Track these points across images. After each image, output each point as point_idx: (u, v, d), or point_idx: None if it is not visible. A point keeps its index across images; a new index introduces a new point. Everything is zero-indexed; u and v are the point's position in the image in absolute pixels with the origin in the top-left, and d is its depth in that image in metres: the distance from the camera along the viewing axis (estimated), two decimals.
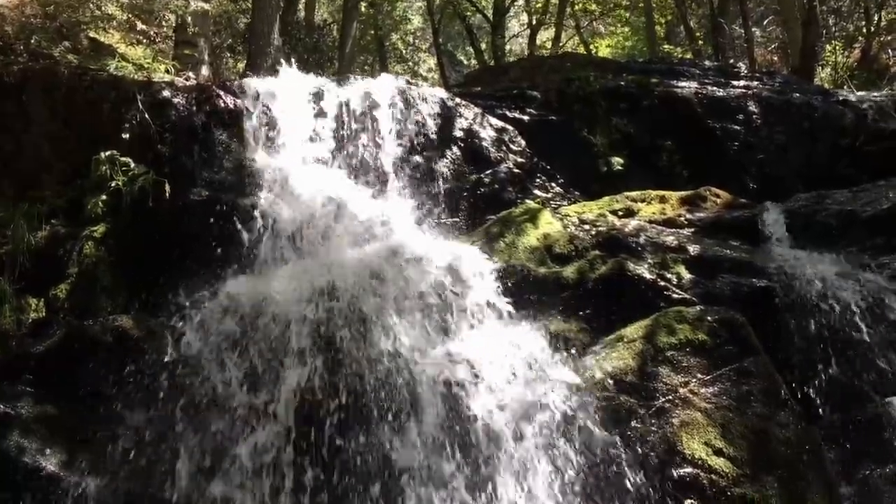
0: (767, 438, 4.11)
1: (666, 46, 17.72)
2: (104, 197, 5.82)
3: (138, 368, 4.54)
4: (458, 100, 7.52)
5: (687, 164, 7.76)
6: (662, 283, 5.23)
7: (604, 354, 4.57)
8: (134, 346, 4.69)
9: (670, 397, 4.24)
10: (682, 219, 6.24)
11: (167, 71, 7.50)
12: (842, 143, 7.98)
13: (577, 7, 18.22)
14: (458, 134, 7.14)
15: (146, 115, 6.13)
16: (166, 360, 4.56)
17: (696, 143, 7.89)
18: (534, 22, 17.88)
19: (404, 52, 19.74)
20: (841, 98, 8.74)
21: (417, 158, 6.79)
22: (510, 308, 4.98)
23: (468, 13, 17.60)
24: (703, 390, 4.26)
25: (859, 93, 9.51)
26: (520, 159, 7.28)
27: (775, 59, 16.63)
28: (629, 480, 3.96)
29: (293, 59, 8.71)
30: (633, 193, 6.64)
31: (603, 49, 20.31)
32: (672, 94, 8.27)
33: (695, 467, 3.96)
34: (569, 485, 4.00)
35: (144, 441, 4.28)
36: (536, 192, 7.17)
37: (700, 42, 17.02)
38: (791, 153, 7.95)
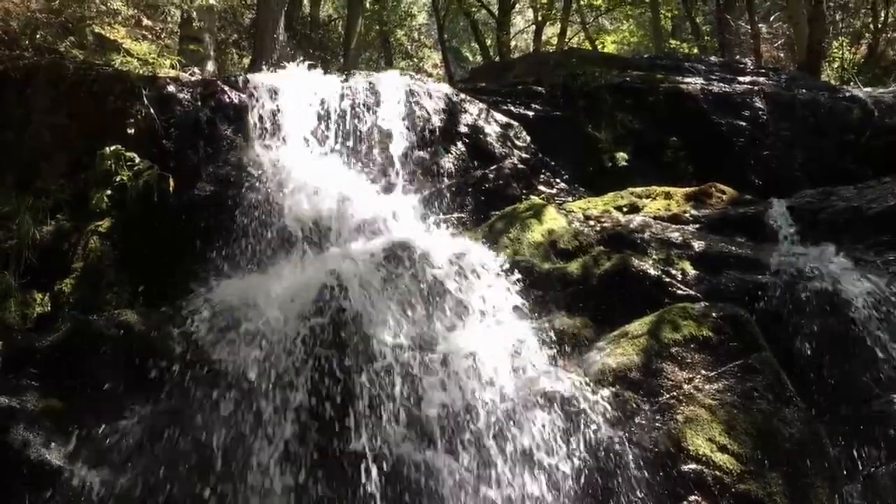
0: (772, 435, 4.11)
1: (671, 42, 17.63)
2: (109, 192, 5.82)
3: (143, 362, 4.55)
4: (462, 95, 7.50)
5: (692, 160, 7.73)
6: (667, 280, 5.22)
7: (608, 350, 4.57)
8: (139, 340, 4.70)
9: (675, 393, 4.24)
10: (687, 215, 6.22)
11: (172, 66, 7.49)
12: (848, 139, 7.94)
13: (583, 2, 18.13)
14: (463, 130, 7.13)
15: (151, 110, 6.14)
16: (172, 353, 4.57)
17: (702, 139, 7.86)
18: (539, 18, 17.77)
19: (409, 47, 19.70)
20: (847, 94, 8.69)
21: (422, 154, 6.79)
22: (514, 303, 4.98)
23: (473, 9, 17.50)
24: (707, 386, 4.25)
25: (866, 89, 9.47)
26: (524, 155, 7.27)
27: (781, 55, 16.57)
28: (633, 476, 3.96)
29: (299, 55, 8.71)
30: (638, 189, 6.63)
31: (609, 45, 20.16)
32: (678, 89, 8.24)
33: (699, 463, 3.96)
34: (572, 480, 4.00)
35: (149, 435, 4.29)
36: (541, 187, 7.16)
37: (706, 38, 16.97)
38: (797, 149, 7.92)
